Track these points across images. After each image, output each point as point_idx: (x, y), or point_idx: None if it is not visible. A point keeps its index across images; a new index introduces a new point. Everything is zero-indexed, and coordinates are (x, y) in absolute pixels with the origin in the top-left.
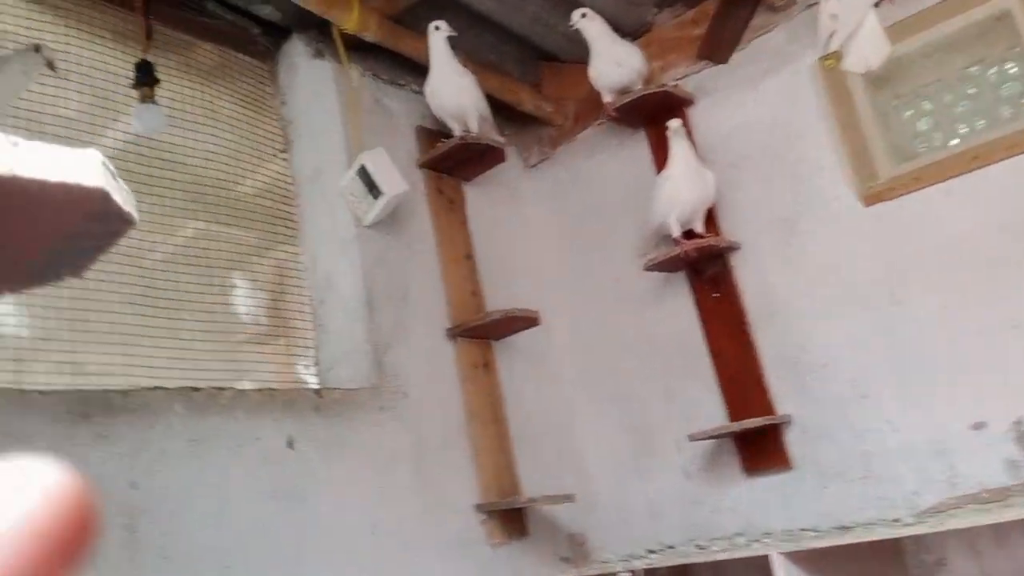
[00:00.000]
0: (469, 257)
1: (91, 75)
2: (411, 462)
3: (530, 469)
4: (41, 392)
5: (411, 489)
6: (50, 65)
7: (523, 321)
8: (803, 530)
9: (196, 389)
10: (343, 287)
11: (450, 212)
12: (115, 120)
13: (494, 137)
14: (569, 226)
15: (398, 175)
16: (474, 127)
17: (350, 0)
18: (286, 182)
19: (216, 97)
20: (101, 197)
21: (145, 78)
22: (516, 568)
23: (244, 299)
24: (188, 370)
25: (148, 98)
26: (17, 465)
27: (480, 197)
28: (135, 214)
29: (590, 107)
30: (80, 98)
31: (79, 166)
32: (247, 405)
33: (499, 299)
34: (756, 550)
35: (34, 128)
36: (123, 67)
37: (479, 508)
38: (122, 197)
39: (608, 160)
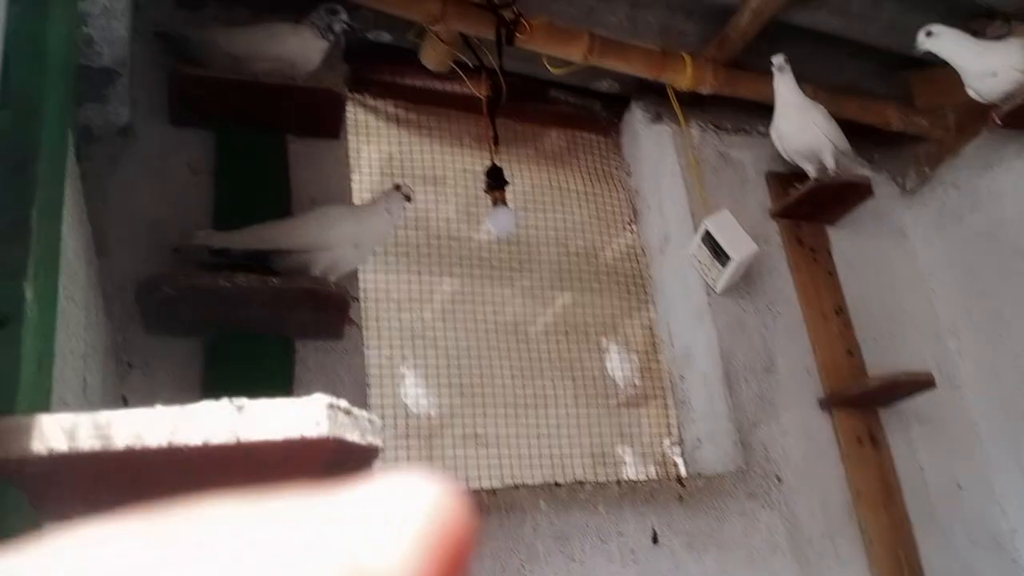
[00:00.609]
0: (840, 311)
1: (460, 177)
2: (790, 555)
3: (941, 561)
4: None
5: None
6: (407, 198)
7: (913, 385)
8: None
9: (558, 484)
10: (700, 360)
11: (812, 262)
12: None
13: (857, 172)
14: (965, 258)
15: (746, 236)
16: (831, 164)
17: (682, 59)
18: (638, 253)
19: (567, 177)
20: (334, 442)
21: (495, 183)
22: None
23: (613, 365)
24: (560, 457)
25: (500, 201)
26: (404, 479)
27: (848, 239)
28: (379, 441)
29: (974, 113)
30: (455, 198)
31: (304, 418)
32: (608, 498)
33: (882, 356)
34: None
35: (422, 227)
36: (484, 165)
37: None
38: (360, 431)
39: (1006, 174)
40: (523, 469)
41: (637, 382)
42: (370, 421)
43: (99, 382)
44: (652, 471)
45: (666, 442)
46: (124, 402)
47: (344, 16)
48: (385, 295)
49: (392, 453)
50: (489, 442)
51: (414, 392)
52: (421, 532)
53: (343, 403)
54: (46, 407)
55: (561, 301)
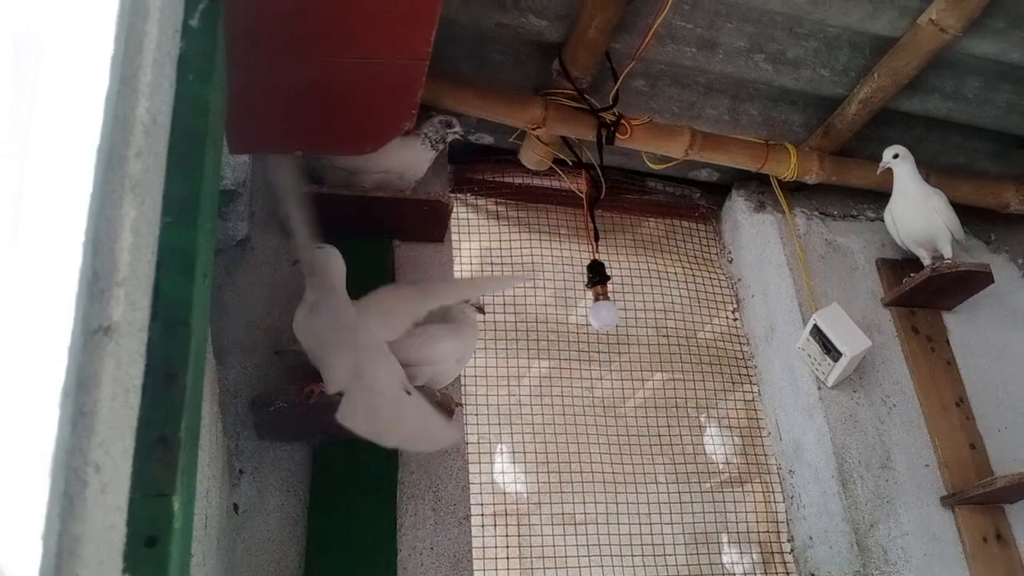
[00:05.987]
0: (961, 403)
1: (556, 265)
2: None
3: None
4: None
5: None
6: (480, 310)
7: None
8: None
9: None
10: (811, 455)
11: (930, 352)
12: (582, 299)
13: (974, 261)
14: None
15: (858, 331)
16: (948, 253)
17: (786, 150)
18: (740, 341)
19: (664, 262)
20: None
21: (596, 278)
22: None
23: (712, 442)
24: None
25: (601, 295)
26: None
27: (967, 326)
28: None
29: None
30: (552, 285)
31: None
32: None
33: (1007, 448)
34: None
35: (519, 311)
36: (580, 257)
37: None
38: None
39: None
40: (620, 548)
41: (736, 461)
42: None
43: (216, 503)
44: (755, 559)
45: (773, 538)
46: (235, 510)
47: (458, 129)
48: (484, 376)
49: (485, 535)
50: (587, 521)
51: (509, 470)
52: None
53: None
54: None
55: (656, 379)
